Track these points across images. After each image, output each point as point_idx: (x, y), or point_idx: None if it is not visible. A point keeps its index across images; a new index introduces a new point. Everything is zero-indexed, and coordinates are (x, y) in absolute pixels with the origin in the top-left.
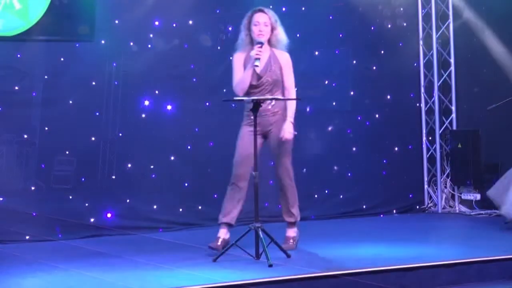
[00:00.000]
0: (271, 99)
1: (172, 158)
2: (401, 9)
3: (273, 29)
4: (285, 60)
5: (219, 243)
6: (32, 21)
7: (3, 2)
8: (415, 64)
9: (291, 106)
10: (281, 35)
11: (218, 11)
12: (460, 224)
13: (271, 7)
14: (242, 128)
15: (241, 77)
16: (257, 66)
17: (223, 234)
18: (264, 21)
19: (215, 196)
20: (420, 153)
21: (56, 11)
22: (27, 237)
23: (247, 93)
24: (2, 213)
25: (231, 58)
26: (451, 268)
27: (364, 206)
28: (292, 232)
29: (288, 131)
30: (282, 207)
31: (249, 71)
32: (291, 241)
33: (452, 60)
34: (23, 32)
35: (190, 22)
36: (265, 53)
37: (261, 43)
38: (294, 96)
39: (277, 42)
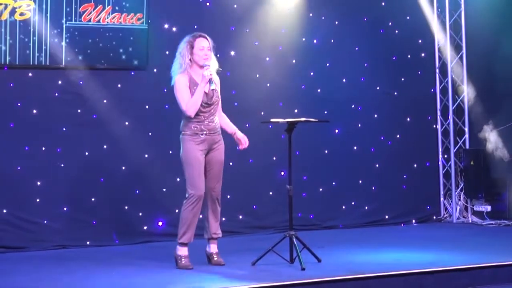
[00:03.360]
0: (305, 121)
1: None
2: (420, 41)
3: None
4: (218, 82)
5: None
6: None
7: None
8: (432, 90)
9: (231, 123)
10: (215, 59)
11: (256, 43)
12: (473, 233)
13: (303, 39)
14: (191, 146)
15: (194, 99)
16: (214, 89)
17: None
18: (207, 46)
19: (254, 207)
20: (436, 169)
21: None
22: (88, 243)
23: (198, 113)
24: (66, 221)
25: (268, 85)
26: (465, 272)
27: (386, 216)
28: (216, 248)
29: (245, 137)
30: (210, 223)
31: (200, 92)
32: (219, 256)
33: (465, 87)
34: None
35: (232, 53)
36: None
37: (209, 66)
38: (224, 114)
39: (214, 66)
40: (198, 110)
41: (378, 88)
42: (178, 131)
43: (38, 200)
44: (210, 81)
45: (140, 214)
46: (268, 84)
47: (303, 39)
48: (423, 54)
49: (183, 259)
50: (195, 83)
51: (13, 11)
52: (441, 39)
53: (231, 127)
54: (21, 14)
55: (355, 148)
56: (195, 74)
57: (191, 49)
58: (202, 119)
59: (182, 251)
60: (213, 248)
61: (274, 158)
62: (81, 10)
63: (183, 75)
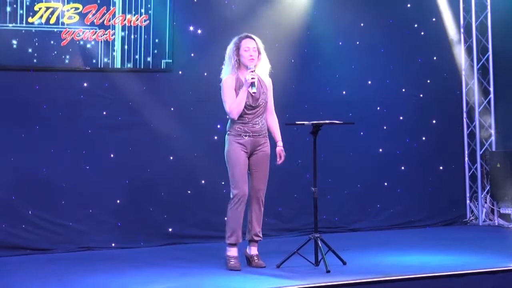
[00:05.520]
0: (330, 123)
1: None
2: (445, 43)
3: (259, 54)
4: (269, 84)
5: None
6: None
7: None
8: (458, 92)
9: (278, 131)
10: (266, 60)
11: (281, 45)
12: (500, 236)
13: (329, 41)
14: (234, 146)
15: (237, 102)
16: (255, 92)
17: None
18: (253, 47)
19: (279, 209)
20: (462, 172)
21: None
22: (113, 244)
23: (242, 115)
24: (91, 223)
25: (293, 87)
26: (491, 275)
27: (412, 219)
28: (257, 250)
29: (284, 155)
30: (252, 225)
31: (244, 95)
32: (259, 258)
33: (491, 89)
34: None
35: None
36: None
37: (253, 69)
38: (276, 118)
39: (263, 67)
40: (242, 112)
41: (403, 90)
42: (201, 133)
43: (63, 202)
44: (252, 84)
45: (165, 216)
46: (293, 86)
47: (329, 41)
48: (448, 56)
49: (231, 260)
50: (242, 84)
51: (62, 15)
52: (457, 44)
53: (276, 135)
54: (70, 18)
55: (380, 150)
56: (243, 75)
57: (237, 51)
58: (246, 120)
59: (232, 251)
60: (253, 250)
61: (299, 161)
62: (99, 14)
63: (230, 77)
